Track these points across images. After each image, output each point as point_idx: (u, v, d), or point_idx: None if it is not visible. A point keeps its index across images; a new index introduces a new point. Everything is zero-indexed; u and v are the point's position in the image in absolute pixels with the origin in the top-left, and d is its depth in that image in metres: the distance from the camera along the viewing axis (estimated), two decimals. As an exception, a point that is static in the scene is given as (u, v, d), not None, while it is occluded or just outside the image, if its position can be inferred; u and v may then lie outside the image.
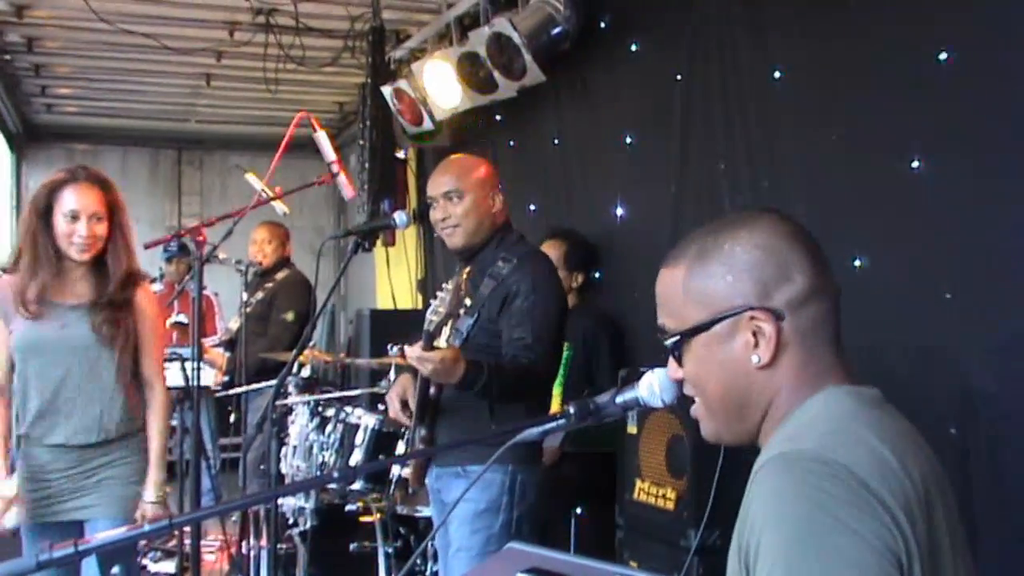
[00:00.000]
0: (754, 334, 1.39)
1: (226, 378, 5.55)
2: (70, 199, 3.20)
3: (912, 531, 1.22)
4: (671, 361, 1.50)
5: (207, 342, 5.66)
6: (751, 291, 1.39)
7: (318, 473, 3.88)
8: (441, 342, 3.03)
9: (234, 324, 5.86)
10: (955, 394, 2.73)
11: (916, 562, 1.21)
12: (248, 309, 5.65)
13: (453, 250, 3.20)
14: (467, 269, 3.12)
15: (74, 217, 3.19)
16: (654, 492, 3.06)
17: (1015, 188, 2.62)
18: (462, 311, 3.03)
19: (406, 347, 2.80)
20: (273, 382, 3.50)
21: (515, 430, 1.70)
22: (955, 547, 1.32)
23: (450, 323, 3.07)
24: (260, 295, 5.78)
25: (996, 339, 2.65)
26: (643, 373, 1.64)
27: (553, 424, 1.69)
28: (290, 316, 5.67)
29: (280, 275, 5.89)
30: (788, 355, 1.39)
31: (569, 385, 4.25)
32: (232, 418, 5.82)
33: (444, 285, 2.84)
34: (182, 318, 5.85)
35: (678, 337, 1.45)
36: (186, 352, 4.68)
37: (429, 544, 3.78)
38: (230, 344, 5.73)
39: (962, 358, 2.74)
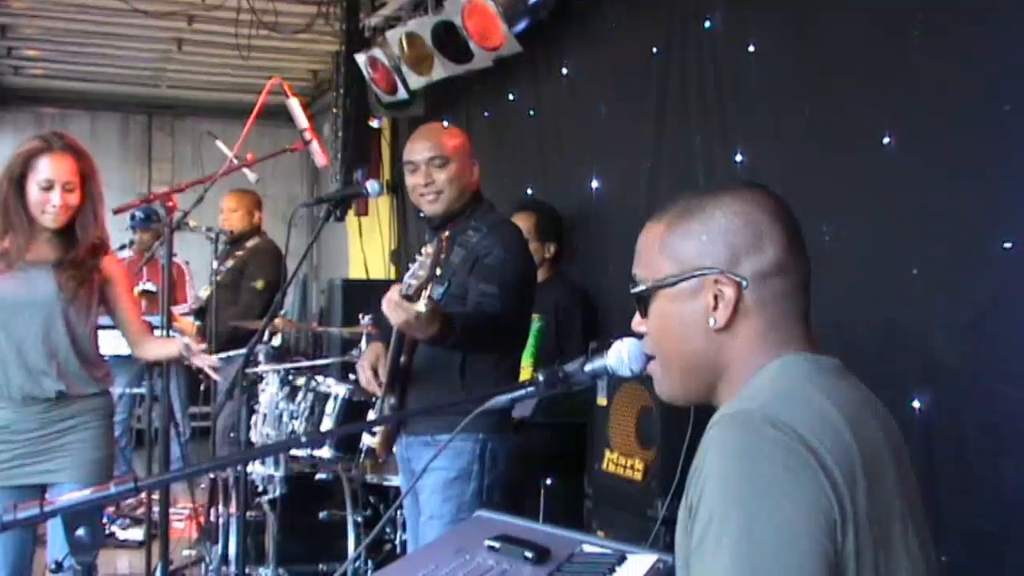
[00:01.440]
0: (715, 297, 1.42)
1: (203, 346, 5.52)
2: (45, 168, 3.20)
3: (851, 495, 1.25)
4: (637, 313, 1.53)
5: (176, 310, 5.63)
6: (721, 255, 1.43)
7: (288, 442, 3.87)
8: (419, 306, 3.02)
9: (204, 293, 5.83)
10: (919, 368, 2.76)
11: (851, 526, 1.24)
12: (218, 277, 5.62)
13: (430, 216, 3.19)
14: (444, 235, 3.12)
15: (48, 186, 3.19)
16: (623, 463, 3.09)
17: (983, 165, 2.64)
18: (437, 272, 3.03)
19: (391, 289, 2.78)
20: (243, 350, 3.49)
21: (484, 398, 1.71)
22: (909, 517, 1.34)
23: (429, 287, 3.06)
24: (230, 263, 5.75)
25: (960, 314, 2.67)
26: (613, 342, 1.65)
27: (522, 392, 1.70)
28: (259, 284, 5.64)
29: (250, 243, 5.85)
30: (747, 323, 1.43)
31: (540, 356, 4.27)
32: (202, 387, 5.79)
33: (424, 250, 2.82)
34: (150, 286, 5.80)
35: (644, 288, 1.49)
36: (155, 320, 4.67)
37: (397, 513, 3.79)
38: (200, 313, 5.70)
39: (927, 332, 2.77)
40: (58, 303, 3.24)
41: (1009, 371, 2.53)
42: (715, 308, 1.42)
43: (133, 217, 6.34)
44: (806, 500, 1.22)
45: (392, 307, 2.74)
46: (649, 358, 1.57)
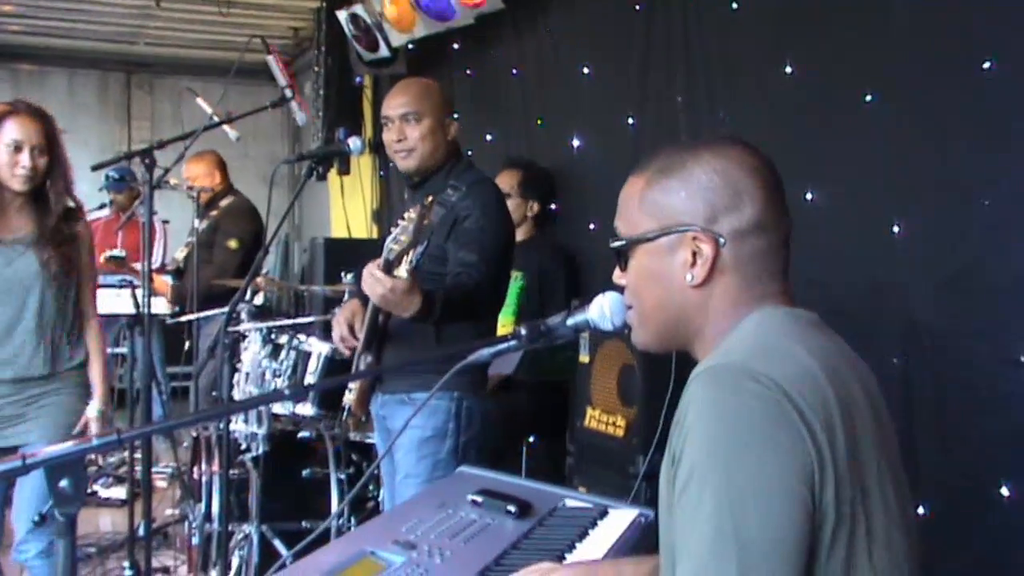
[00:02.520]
0: (693, 254, 1.44)
1: (176, 308, 5.50)
2: (12, 130, 3.18)
3: (830, 446, 1.27)
4: (617, 268, 1.55)
5: (160, 279, 5.56)
6: (700, 212, 1.43)
7: (271, 400, 3.87)
8: (401, 271, 3.01)
9: (180, 254, 5.78)
10: (900, 327, 2.78)
11: (831, 476, 1.26)
12: (194, 238, 5.59)
13: (404, 172, 3.18)
14: (428, 199, 3.10)
15: (17, 148, 3.17)
16: (605, 420, 3.11)
17: (965, 124, 2.64)
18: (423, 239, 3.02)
19: (368, 264, 2.77)
20: (224, 309, 3.48)
21: (466, 351, 1.71)
22: (887, 468, 1.36)
23: (410, 252, 3.05)
24: (206, 223, 5.68)
25: (942, 274, 2.69)
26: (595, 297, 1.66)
27: (504, 345, 1.71)
28: (233, 244, 5.56)
29: (224, 202, 5.75)
30: (723, 280, 1.44)
31: (522, 315, 4.27)
32: (187, 346, 5.76)
33: (407, 214, 2.80)
34: (118, 252, 5.70)
35: (624, 242, 1.50)
36: (116, 280, 4.65)
37: (378, 470, 3.80)
38: (178, 273, 5.66)
39: (908, 292, 2.79)
40: (41, 281, 3.22)
41: (987, 329, 2.56)
42: (693, 264, 1.43)
43: (107, 178, 6.29)
44: (785, 451, 1.24)
45: (371, 281, 2.71)
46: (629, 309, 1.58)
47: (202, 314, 4.91)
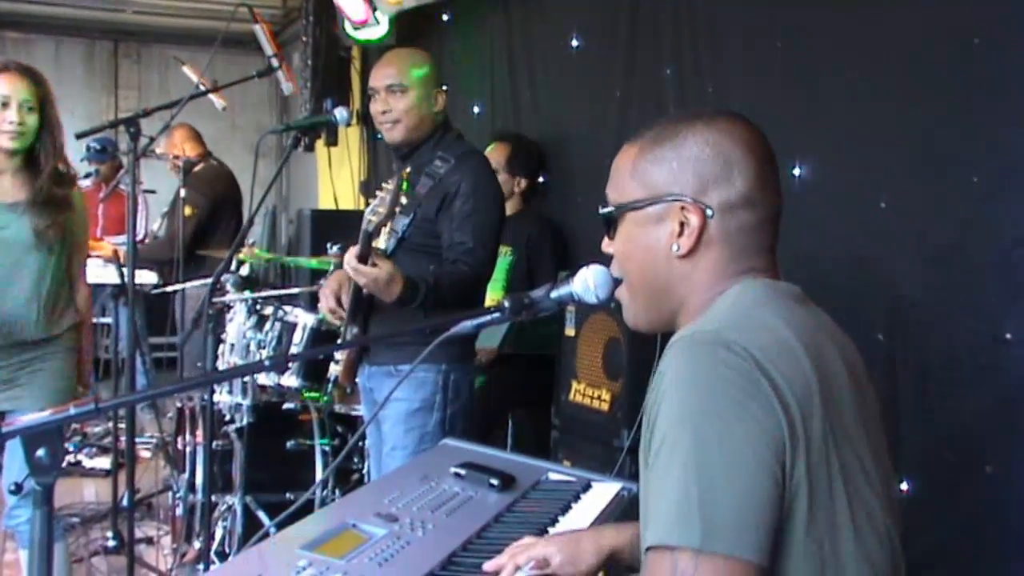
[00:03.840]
0: (680, 224, 1.43)
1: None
2: (0, 85, 3.13)
3: (804, 420, 1.26)
4: (606, 236, 1.54)
5: (116, 241, 5.48)
6: (690, 183, 1.43)
7: (256, 371, 3.85)
8: (380, 242, 3.01)
9: (156, 224, 5.72)
10: (885, 302, 2.78)
11: (803, 450, 1.25)
12: (166, 208, 5.54)
13: (391, 144, 3.17)
14: (406, 171, 3.09)
15: (4, 104, 3.14)
16: (590, 393, 3.11)
17: (952, 100, 2.63)
18: (398, 210, 3.01)
19: (347, 253, 2.78)
20: (209, 280, 3.44)
21: (450, 323, 1.70)
22: (867, 443, 1.35)
23: (389, 224, 3.04)
24: (182, 191, 5.59)
25: (926, 249, 2.69)
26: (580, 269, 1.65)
27: (488, 317, 1.69)
28: (187, 211, 5.44)
29: (196, 169, 5.68)
30: (710, 252, 1.44)
31: (511, 289, 4.26)
32: (175, 317, 5.73)
33: (384, 184, 2.80)
34: None
35: (612, 209, 1.50)
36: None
37: (363, 442, 3.80)
38: None
39: (893, 266, 2.79)
40: (35, 246, 3.20)
41: (972, 304, 2.56)
42: (679, 235, 1.43)
43: (88, 149, 6.20)
44: (756, 421, 1.24)
45: (352, 273, 2.76)
46: (617, 283, 1.57)
47: (187, 284, 4.88)
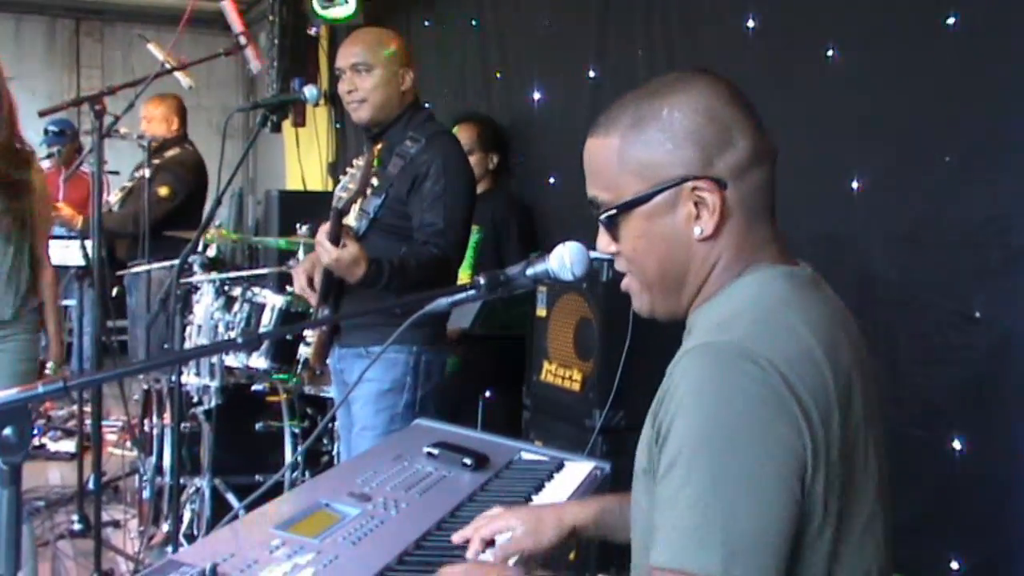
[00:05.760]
0: (696, 205, 1.33)
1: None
2: None
3: (825, 434, 1.22)
4: (602, 235, 1.42)
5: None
6: (693, 159, 1.33)
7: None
8: (350, 220, 2.99)
9: (114, 198, 5.61)
10: (856, 280, 2.79)
11: (822, 467, 1.21)
12: (131, 183, 5.45)
13: (359, 123, 3.15)
14: (376, 147, 3.07)
15: None
16: (561, 373, 3.10)
17: (925, 78, 2.64)
18: (369, 190, 2.99)
19: (318, 231, 2.77)
20: (174, 262, 3.39)
21: (424, 300, 1.68)
22: (872, 443, 1.31)
23: (359, 201, 3.02)
24: (147, 171, 5.47)
25: (898, 228, 2.70)
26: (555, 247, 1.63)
27: (463, 295, 1.68)
28: (163, 191, 5.33)
29: (170, 152, 5.56)
30: (729, 226, 1.35)
31: (479, 268, 4.25)
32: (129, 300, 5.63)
33: (355, 161, 2.79)
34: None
35: (614, 210, 1.37)
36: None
37: (332, 424, 3.78)
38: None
39: (866, 245, 2.80)
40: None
41: (942, 282, 2.58)
42: (698, 216, 1.34)
43: (46, 132, 6.08)
44: (782, 442, 1.19)
45: (319, 249, 2.75)
46: (617, 273, 1.48)
47: (153, 266, 4.81)
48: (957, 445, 2.53)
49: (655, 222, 1.36)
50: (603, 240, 1.43)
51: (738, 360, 1.21)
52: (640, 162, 1.35)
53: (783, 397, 1.20)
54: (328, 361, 3.21)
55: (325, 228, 2.73)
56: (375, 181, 2.98)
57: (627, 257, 1.41)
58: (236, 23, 3.87)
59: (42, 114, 3.59)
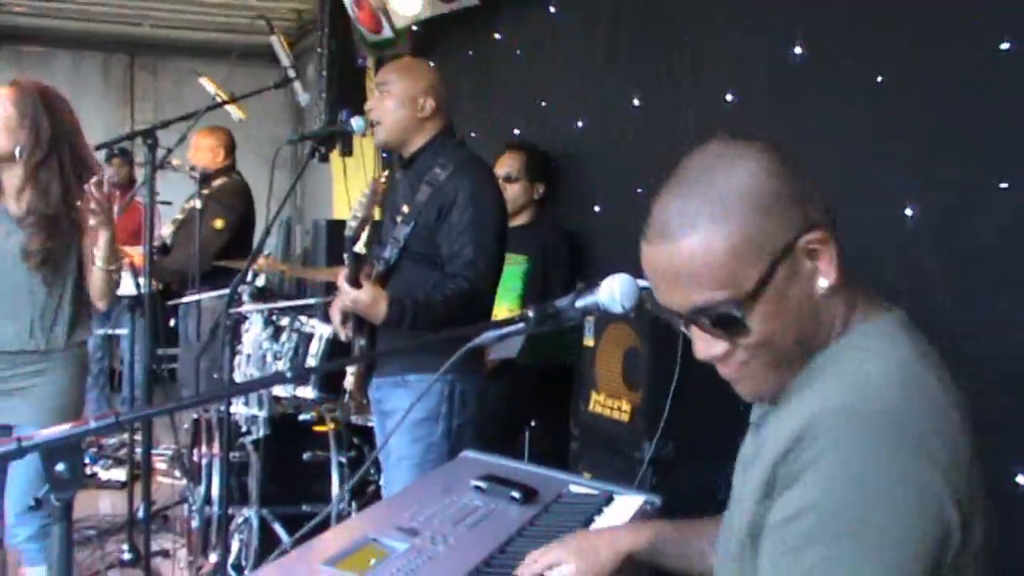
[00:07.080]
0: (810, 256, 1.28)
1: (159, 286, 5.38)
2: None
3: (961, 521, 1.19)
4: (710, 340, 1.32)
5: (136, 251, 5.45)
6: (793, 217, 1.27)
7: (272, 383, 3.84)
8: (360, 248, 3.02)
9: (166, 230, 5.69)
10: (913, 311, 2.73)
11: (951, 557, 1.18)
12: (181, 215, 5.51)
13: (380, 147, 3.20)
14: (384, 172, 3.12)
15: None
16: (610, 404, 3.07)
17: (977, 106, 2.60)
18: (399, 218, 3.00)
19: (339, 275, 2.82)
20: (223, 291, 3.43)
21: (472, 333, 1.67)
22: (981, 504, 1.27)
23: (392, 228, 3.05)
24: (196, 202, 5.57)
25: (954, 257, 2.65)
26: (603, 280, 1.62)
27: (511, 328, 1.66)
28: (218, 224, 5.43)
29: (217, 182, 5.65)
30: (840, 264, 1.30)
31: (527, 299, 4.23)
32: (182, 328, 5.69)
33: (364, 190, 2.83)
34: None
35: (740, 303, 1.27)
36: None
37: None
38: (163, 250, 5.54)
39: (920, 274, 2.75)
40: (24, 264, 3.16)
41: (1006, 309, 2.52)
42: (818, 270, 1.29)
43: (102, 146, 6.18)
44: (925, 541, 1.17)
45: (340, 294, 2.82)
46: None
47: (202, 295, 4.87)
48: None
49: (785, 296, 1.28)
50: (712, 345, 1.33)
51: (887, 434, 1.18)
52: (753, 244, 1.26)
53: (936, 492, 1.17)
54: (368, 391, 3.22)
55: (344, 272, 2.77)
56: (405, 209, 3.00)
57: (756, 345, 1.31)
58: (286, 56, 3.92)
59: (99, 147, 3.65)
